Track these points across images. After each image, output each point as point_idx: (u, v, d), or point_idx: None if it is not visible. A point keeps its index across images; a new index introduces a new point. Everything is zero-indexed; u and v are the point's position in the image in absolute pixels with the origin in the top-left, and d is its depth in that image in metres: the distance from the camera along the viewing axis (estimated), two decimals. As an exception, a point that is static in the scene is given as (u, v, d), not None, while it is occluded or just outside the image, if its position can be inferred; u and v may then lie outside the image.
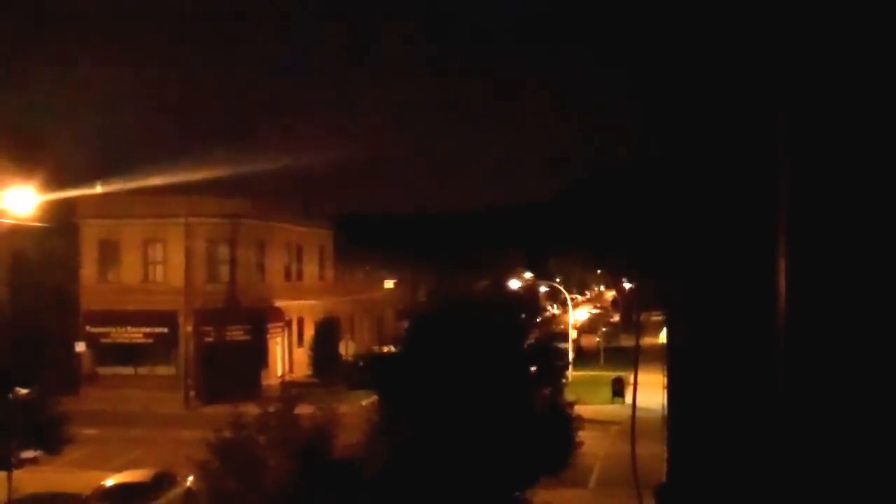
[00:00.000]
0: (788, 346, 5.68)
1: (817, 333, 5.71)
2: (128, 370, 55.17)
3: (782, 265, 5.66)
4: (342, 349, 64.10)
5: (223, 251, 56.31)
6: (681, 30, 6.22)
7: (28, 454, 29.35)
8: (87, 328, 55.16)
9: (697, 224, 6.17)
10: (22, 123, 55.30)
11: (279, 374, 58.52)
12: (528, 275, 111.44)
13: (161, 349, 55.40)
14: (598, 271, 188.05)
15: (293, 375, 59.23)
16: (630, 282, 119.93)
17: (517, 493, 23.40)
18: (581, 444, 25.36)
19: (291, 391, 26.21)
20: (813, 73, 5.71)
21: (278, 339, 60.30)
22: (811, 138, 5.72)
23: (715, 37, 6.04)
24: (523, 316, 27.99)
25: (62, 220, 53.03)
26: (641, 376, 11.92)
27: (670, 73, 6.29)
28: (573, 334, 69.17)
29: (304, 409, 22.53)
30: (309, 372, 61.37)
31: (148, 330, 55.49)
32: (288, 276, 64.39)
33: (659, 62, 6.45)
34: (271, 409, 22.09)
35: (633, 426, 12.81)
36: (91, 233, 56.69)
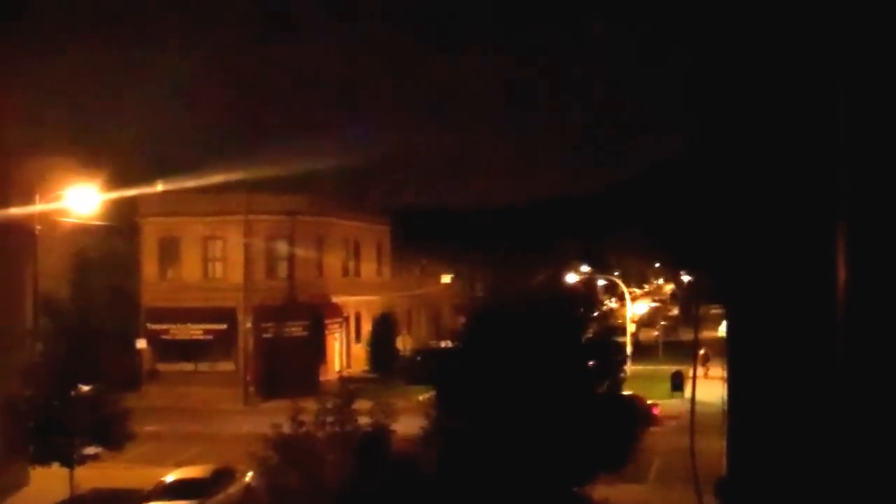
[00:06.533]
0: (849, 339, 5.54)
1: (879, 326, 5.56)
2: (188, 366, 55.67)
3: (842, 260, 5.52)
4: (399, 344, 64.28)
5: (282, 248, 56.58)
6: (740, 21, 6.10)
7: (90, 450, 29.72)
8: (148, 325, 55.76)
9: (756, 217, 6.04)
10: (83, 124, 56.16)
11: (337, 369, 58.82)
12: (586, 268, 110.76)
13: (221, 345, 55.83)
14: (657, 264, 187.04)
15: (351, 371, 59.51)
16: (689, 275, 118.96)
17: (575, 489, 23.25)
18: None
19: (349, 386, 26.23)
20: (872, 66, 5.57)
21: (336, 335, 60.54)
22: (871, 131, 5.58)
23: (775, 28, 5.92)
24: (581, 310, 27.76)
25: (123, 218, 53.69)
26: (701, 370, 11.75)
27: (729, 65, 6.18)
28: (631, 328, 68.67)
29: (362, 405, 22.56)
30: (366, 367, 61.66)
31: (208, 326, 55.92)
32: (345, 271, 64.60)
33: (717, 55, 6.34)
34: (330, 404, 22.12)
35: (693, 421, 12.67)
36: (151, 231, 57.28)
